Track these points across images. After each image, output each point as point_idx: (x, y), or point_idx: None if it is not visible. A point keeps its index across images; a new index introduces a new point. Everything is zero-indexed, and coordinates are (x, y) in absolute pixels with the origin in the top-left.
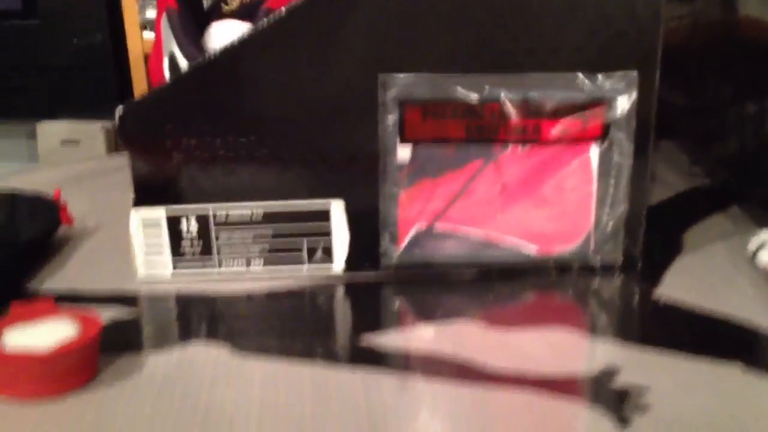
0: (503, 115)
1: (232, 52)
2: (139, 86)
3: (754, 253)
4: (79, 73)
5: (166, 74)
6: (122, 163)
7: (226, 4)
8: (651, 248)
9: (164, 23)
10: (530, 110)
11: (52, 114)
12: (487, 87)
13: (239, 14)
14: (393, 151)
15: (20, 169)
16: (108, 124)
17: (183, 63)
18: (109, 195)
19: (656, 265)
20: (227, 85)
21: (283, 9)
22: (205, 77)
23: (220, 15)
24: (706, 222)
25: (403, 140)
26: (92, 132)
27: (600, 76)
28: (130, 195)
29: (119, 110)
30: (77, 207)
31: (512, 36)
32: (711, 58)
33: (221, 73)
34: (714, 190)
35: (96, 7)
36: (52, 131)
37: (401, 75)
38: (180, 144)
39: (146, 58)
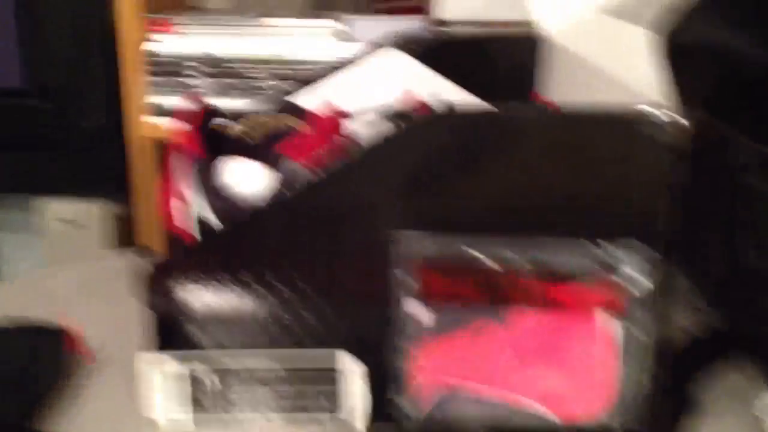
0: (515, 279)
1: (258, 215)
2: (139, 170)
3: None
4: (82, 155)
5: (191, 225)
6: (125, 264)
7: (242, 132)
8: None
9: (188, 171)
10: (543, 274)
11: (56, 192)
12: (500, 249)
13: (256, 146)
14: (403, 309)
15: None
16: (112, 206)
17: (209, 215)
18: (123, 311)
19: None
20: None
21: (305, 176)
22: (234, 238)
23: (238, 148)
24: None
25: (414, 298)
26: (96, 214)
27: (614, 244)
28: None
29: (145, 268)
30: (90, 328)
31: (527, 199)
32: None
33: (249, 234)
34: (726, 335)
35: (98, 93)
36: (53, 212)
37: (414, 233)
38: (201, 301)
39: (151, 145)
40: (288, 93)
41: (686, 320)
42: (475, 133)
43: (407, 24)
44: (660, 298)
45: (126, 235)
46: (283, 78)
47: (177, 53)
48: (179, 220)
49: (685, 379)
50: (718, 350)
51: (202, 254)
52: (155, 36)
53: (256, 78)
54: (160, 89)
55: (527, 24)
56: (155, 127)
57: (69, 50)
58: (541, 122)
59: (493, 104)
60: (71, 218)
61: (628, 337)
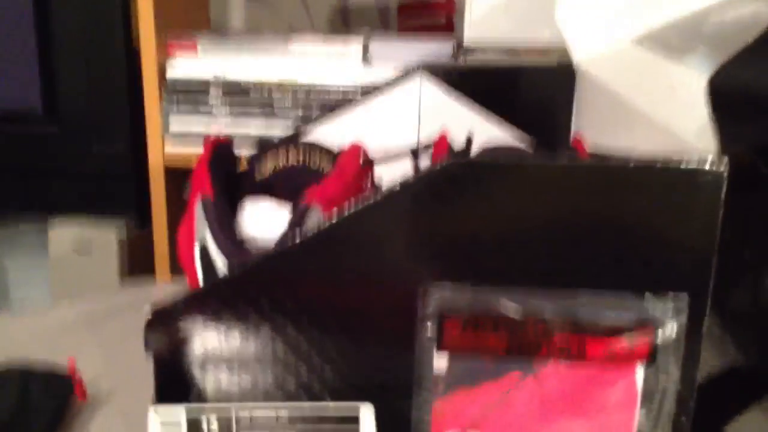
0: (546, 331)
1: (264, 263)
2: (157, 199)
3: None
4: (98, 181)
5: (197, 263)
6: (133, 299)
7: (259, 173)
8: None
9: (198, 211)
10: (575, 328)
11: (67, 220)
12: (531, 302)
13: (273, 182)
14: (429, 361)
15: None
16: (122, 235)
17: (217, 257)
18: (124, 348)
19: None
20: (263, 292)
21: (326, 222)
22: (243, 282)
23: (253, 184)
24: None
25: (440, 349)
26: (106, 242)
27: (649, 297)
28: (147, 360)
29: (146, 312)
30: (89, 366)
31: (559, 252)
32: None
33: (258, 279)
34: (751, 374)
35: (119, 118)
36: (64, 237)
37: (442, 285)
38: (206, 347)
39: (166, 172)
40: (311, 121)
41: (715, 363)
42: (506, 181)
43: (434, 47)
44: (693, 347)
45: (141, 264)
46: (307, 104)
47: (199, 77)
48: (188, 258)
49: (715, 425)
50: (747, 393)
51: (207, 298)
52: (177, 59)
53: (280, 104)
54: (181, 114)
55: (558, 51)
56: (175, 153)
57: (88, 73)
58: (579, 171)
59: (528, 147)
60: (85, 245)
61: (659, 387)
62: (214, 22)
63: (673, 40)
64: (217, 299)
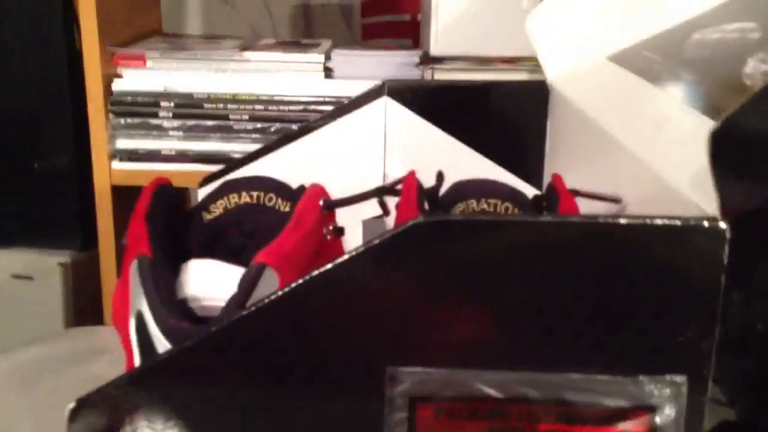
0: (532, 418)
1: (208, 338)
2: (104, 220)
3: None
4: (39, 201)
5: (132, 336)
6: (76, 347)
7: (209, 212)
8: None
9: (133, 273)
10: (563, 415)
11: (6, 243)
12: (513, 385)
13: (224, 223)
14: None
15: None
16: (66, 259)
17: (153, 328)
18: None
19: None
20: (206, 373)
21: (279, 292)
22: (184, 364)
23: (202, 227)
24: None
25: None
26: (48, 268)
27: (644, 380)
28: None
29: (69, 408)
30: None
31: (545, 328)
32: None
33: (202, 355)
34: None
35: (61, 131)
36: (2, 262)
37: (412, 369)
38: None
39: (113, 191)
40: (267, 148)
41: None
42: (483, 241)
43: (399, 58)
44: (690, 427)
45: (87, 290)
46: (265, 119)
47: (149, 91)
48: (123, 331)
49: None
50: None
51: (141, 382)
52: (125, 71)
53: (236, 118)
54: (129, 129)
55: (528, 60)
56: (123, 170)
57: (27, 87)
58: (566, 229)
59: (511, 189)
60: (25, 270)
61: None
62: (168, 28)
63: (651, 60)
64: (154, 384)
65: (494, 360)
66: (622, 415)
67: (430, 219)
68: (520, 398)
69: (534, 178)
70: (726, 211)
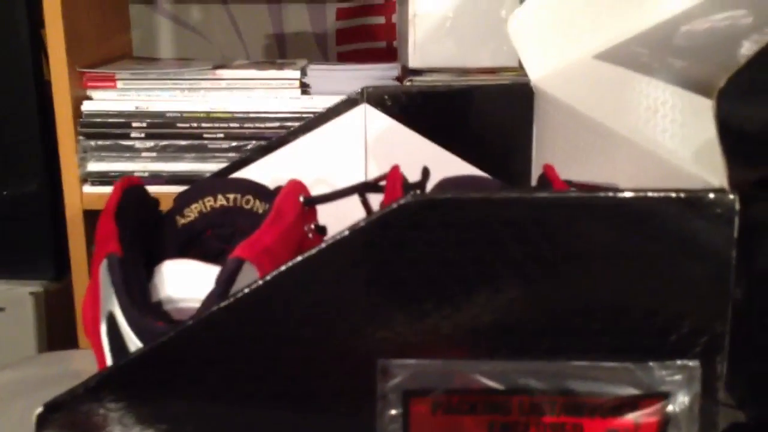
0: (535, 411)
1: (184, 334)
2: (76, 245)
3: None
4: (9, 229)
5: (104, 340)
6: (48, 372)
7: (183, 217)
8: None
9: (103, 274)
10: (569, 406)
11: None
12: (514, 376)
13: (199, 227)
14: None
15: None
16: (38, 287)
17: (125, 329)
18: None
19: None
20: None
21: (260, 280)
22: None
23: (176, 232)
24: None
25: None
26: (20, 298)
27: (655, 366)
28: None
29: (38, 412)
30: None
31: (547, 313)
32: None
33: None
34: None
35: (31, 156)
36: None
37: (405, 361)
38: None
39: (85, 216)
40: (244, 160)
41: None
42: (478, 219)
43: (377, 72)
44: (709, 419)
45: (61, 320)
46: (241, 137)
47: (120, 111)
48: (94, 334)
49: None
50: None
51: (113, 383)
52: (94, 93)
53: (211, 136)
54: (100, 152)
55: (509, 70)
56: (95, 194)
57: None
58: (564, 204)
59: (498, 180)
60: None
61: None
62: (138, 56)
63: (639, 54)
64: (127, 384)
65: (493, 349)
66: (633, 404)
67: (418, 198)
68: (521, 390)
69: (521, 182)
70: (735, 183)
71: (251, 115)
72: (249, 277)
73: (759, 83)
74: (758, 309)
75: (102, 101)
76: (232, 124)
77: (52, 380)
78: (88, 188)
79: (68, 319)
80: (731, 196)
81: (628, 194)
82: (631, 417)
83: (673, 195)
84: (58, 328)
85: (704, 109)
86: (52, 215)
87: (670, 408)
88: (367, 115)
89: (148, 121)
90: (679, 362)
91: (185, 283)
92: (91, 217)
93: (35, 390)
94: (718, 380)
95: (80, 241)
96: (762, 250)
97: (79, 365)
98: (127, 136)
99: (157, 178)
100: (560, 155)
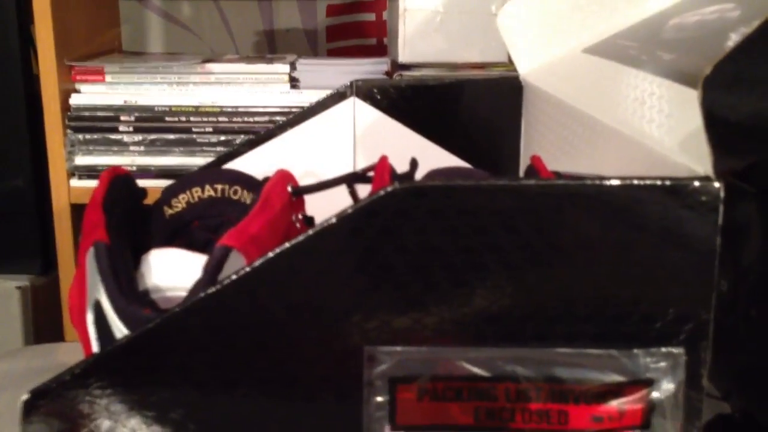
0: (520, 397)
1: (172, 321)
2: (63, 239)
3: None
4: None
5: (91, 329)
6: (35, 365)
7: (170, 207)
8: None
9: (90, 261)
10: (554, 393)
11: None
12: (500, 363)
13: (187, 218)
14: None
15: None
16: (24, 282)
17: (113, 316)
18: None
19: None
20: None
21: (247, 267)
22: (146, 349)
23: (163, 222)
24: None
25: (394, 428)
26: (5, 291)
27: (640, 353)
28: None
29: (24, 398)
30: None
31: (533, 301)
32: None
33: (164, 343)
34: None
35: (18, 150)
36: None
37: (392, 348)
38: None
39: (73, 209)
40: (232, 153)
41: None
42: (466, 207)
43: (367, 67)
44: (693, 406)
45: (48, 315)
46: (229, 131)
47: (108, 104)
48: (80, 322)
49: None
50: None
51: (100, 370)
52: (83, 86)
53: (199, 130)
54: (88, 145)
55: (499, 65)
56: (83, 188)
57: None
58: (551, 192)
59: (486, 172)
60: None
61: None
62: (128, 50)
63: (628, 48)
64: (113, 371)
65: (479, 336)
66: (618, 391)
67: (406, 185)
68: (507, 376)
69: (509, 174)
70: (720, 172)
71: (240, 110)
72: (236, 265)
73: (744, 72)
74: (743, 301)
75: (90, 95)
76: (220, 118)
77: (38, 372)
78: (75, 182)
79: (55, 314)
80: (716, 184)
81: (613, 182)
82: (616, 404)
83: (659, 183)
84: (44, 323)
85: (691, 99)
86: (39, 209)
87: (654, 395)
88: (356, 108)
89: (137, 114)
90: (663, 349)
91: (172, 271)
92: (78, 211)
93: (20, 382)
94: (702, 367)
95: (67, 235)
96: (747, 241)
97: (65, 358)
98: (115, 130)
99: (146, 172)
100: (548, 148)
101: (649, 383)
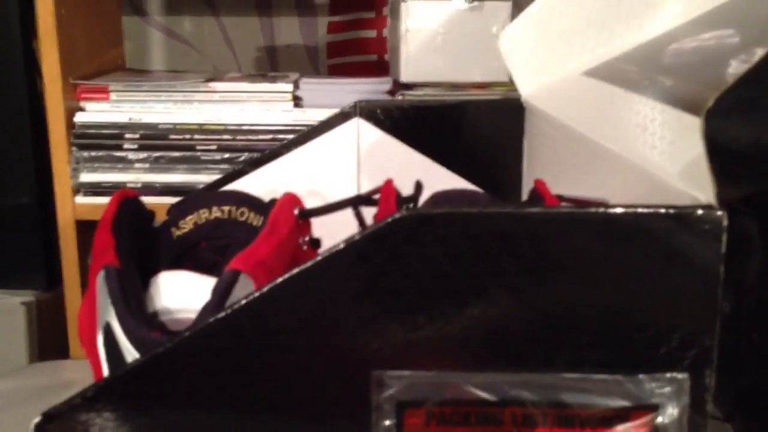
0: (527, 423)
1: (182, 345)
2: (68, 256)
3: None
4: (1, 240)
5: (101, 351)
6: (40, 383)
7: (178, 228)
8: None
9: (100, 284)
10: (560, 418)
11: None
12: (506, 388)
13: (194, 239)
14: None
15: None
16: (29, 297)
17: (122, 340)
18: None
19: None
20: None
21: (256, 292)
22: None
23: (171, 243)
24: None
25: None
26: (10, 307)
27: (645, 379)
28: None
29: (36, 421)
30: None
31: (540, 326)
32: None
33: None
34: None
35: (23, 167)
36: None
37: (400, 372)
38: None
39: (77, 226)
40: (237, 172)
41: None
42: (471, 234)
43: (369, 86)
44: (694, 429)
45: (53, 331)
46: (233, 149)
47: (113, 122)
48: (90, 345)
49: None
50: None
51: (110, 393)
52: (88, 104)
53: (203, 148)
54: (93, 163)
55: (500, 85)
56: (87, 204)
57: None
58: (557, 220)
59: (490, 193)
60: None
61: None
62: (131, 67)
63: (628, 71)
64: (124, 395)
65: (485, 361)
66: (623, 415)
67: (413, 212)
68: (514, 401)
69: (512, 196)
70: (722, 199)
71: (244, 128)
72: (245, 289)
73: (746, 103)
74: (745, 324)
75: (95, 113)
76: (224, 136)
77: (44, 391)
78: (80, 199)
79: (60, 330)
80: (719, 213)
81: (618, 210)
82: (622, 428)
83: (663, 211)
84: (49, 339)
85: (692, 126)
86: (44, 225)
87: (659, 420)
88: (360, 128)
89: (141, 132)
90: (668, 375)
91: (181, 293)
92: (83, 227)
93: (27, 400)
94: (706, 392)
95: (72, 251)
96: (748, 265)
97: (71, 375)
98: (119, 147)
99: (150, 189)
100: (551, 170)
101: (655, 408)
